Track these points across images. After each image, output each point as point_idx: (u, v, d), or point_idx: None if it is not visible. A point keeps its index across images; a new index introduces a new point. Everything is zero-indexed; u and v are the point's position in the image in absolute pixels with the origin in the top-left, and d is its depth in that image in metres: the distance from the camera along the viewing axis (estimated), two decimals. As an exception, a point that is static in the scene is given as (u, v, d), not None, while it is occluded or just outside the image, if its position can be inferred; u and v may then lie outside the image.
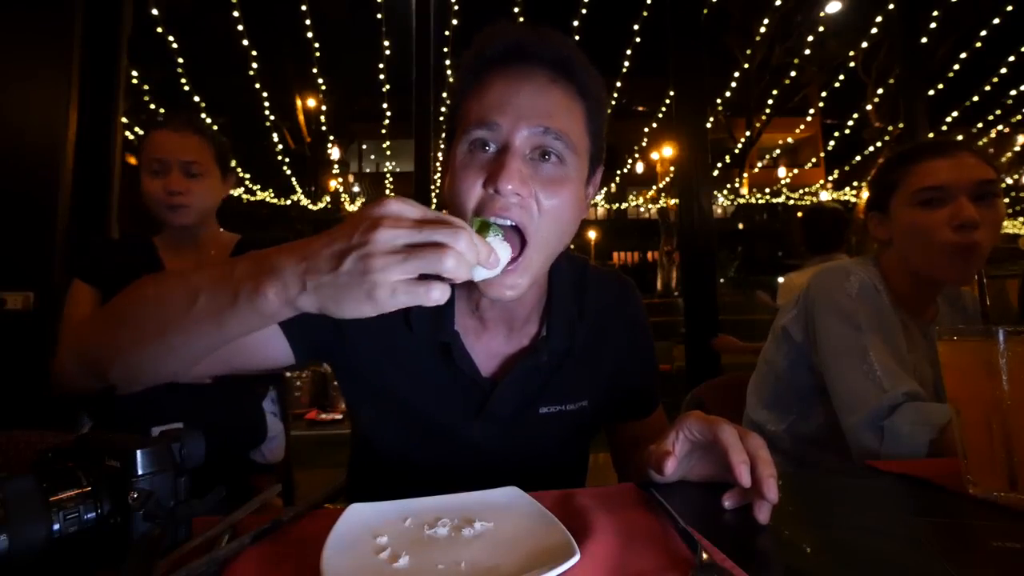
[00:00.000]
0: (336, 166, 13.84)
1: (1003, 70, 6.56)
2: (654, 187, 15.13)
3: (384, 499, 0.49)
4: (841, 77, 8.56)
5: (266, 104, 7.89)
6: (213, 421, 1.12)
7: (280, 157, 10.38)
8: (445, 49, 4.99)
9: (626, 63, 6.26)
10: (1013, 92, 7.35)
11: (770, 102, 10.40)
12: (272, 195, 12.44)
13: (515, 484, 0.51)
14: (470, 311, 0.68)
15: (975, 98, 7.28)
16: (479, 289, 0.58)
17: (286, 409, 1.37)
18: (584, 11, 5.22)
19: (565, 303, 0.71)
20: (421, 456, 0.69)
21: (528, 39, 0.60)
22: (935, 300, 1.00)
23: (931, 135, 3.50)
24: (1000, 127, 8.51)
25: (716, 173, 13.02)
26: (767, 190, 15.39)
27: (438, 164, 4.51)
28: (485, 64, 0.61)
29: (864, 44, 6.91)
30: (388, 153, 12.06)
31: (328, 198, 14.07)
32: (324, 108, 9.95)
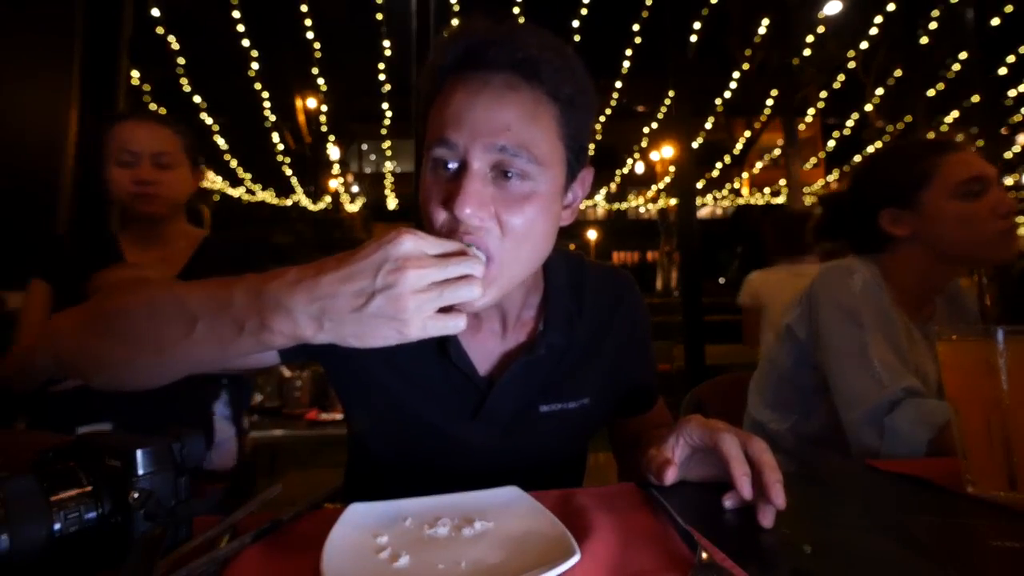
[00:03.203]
0: (336, 166, 13.83)
1: (1003, 70, 6.55)
2: (654, 187, 15.12)
3: (382, 498, 0.49)
4: (841, 77, 8.56)
5: (266, 104, 7.89)
6: (149, 422, 1.08)
7: (280, 157, 10.38)
8: (445, 49, 4.97)
9: (626, 63, 6.26)
10: (1013, 92, 7.34)
11: (770, 102, 10.40)
12: (272, 195, 12.44)
13: (514, 483, 0.51)
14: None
15: (975, 98, 7.26)
16: None
17: (240, 412, 1.30)
18: (584, 11, 5.22)
19: (563, 299, 0.69)
20: (417, 458, 0.68)
21: (483, 42, 0.55)
22: (934, 299, 1.00)
23: (931, 135, 3.50)
24: (1000, 127, 8.50)
25: (716, 173, 13.00)
26: (767, 190, 15.38)
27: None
28: (442, 72, 0.57)
29: (864, 44, 6.90)
30: (388, 153, 12.06)
31: (328, 198, 14.07)
32: (324, 108, 9.96)
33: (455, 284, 0.43)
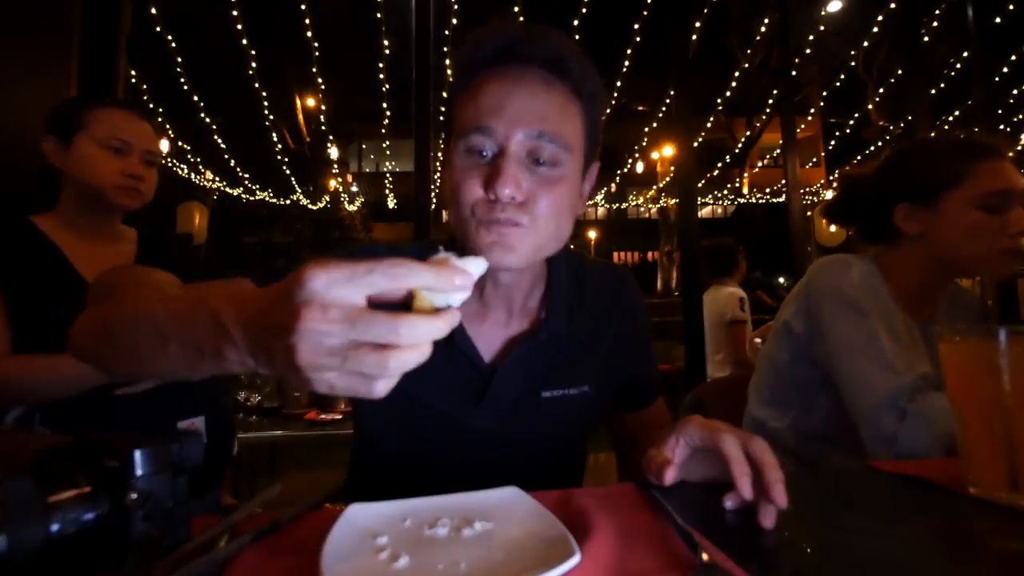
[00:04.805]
0: (336, 166, 13.82)
1: (1004, 69, 6.54)
2: (654, 187, 15.12)
3: (386, 492, 0.50)
4: (842, 77, 8.56)
5: (266, 104, 7.88)
6: (211, 414, 1.14)
7: (280, 157, 10.37)
8: (445, 49, 4.99)
9: (626, 63, 6.26)
10: (1014, 92, 7.33)
11: (770, 102, 10.40)
12: (272, 195, 12.43)
13: (516, 473, 0.52)
14: (474, 295, 0.68)
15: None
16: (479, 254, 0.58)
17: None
18: (584, 11, 5.22)
19: (564, 290, 0.72)
20: (422, 444, 0.69)
21: (520, 39, 0.60)
22: (934, 299, 1.00)
23: (932, 135, 3.51)
24: (1000, 127, 8.49)
25: (716, 173, 13.01)
26: (767, 190, 15.38)
27: (438, 164, 4.51)
28: (478, 65, 0.61)
29: (865, 44, 6.90)
30: (388, 153, 12.06)
31: (328, 198, 14.07)
32: (324, 108, 9.95)
33: (362, 354, 0.33)
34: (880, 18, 5.44)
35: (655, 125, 9.79)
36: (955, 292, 1.04)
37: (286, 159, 10.79)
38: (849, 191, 1.07)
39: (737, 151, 13.22)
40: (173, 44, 5.49)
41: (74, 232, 1.12)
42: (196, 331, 0.40)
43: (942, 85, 6.16)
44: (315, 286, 0.33)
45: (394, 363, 0.33)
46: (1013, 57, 6.18)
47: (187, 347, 0.41)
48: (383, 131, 9.14)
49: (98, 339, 0.51)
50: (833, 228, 6.13)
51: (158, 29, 5.00)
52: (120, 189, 1.10)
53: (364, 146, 18.30)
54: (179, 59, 5.84)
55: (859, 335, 0.86)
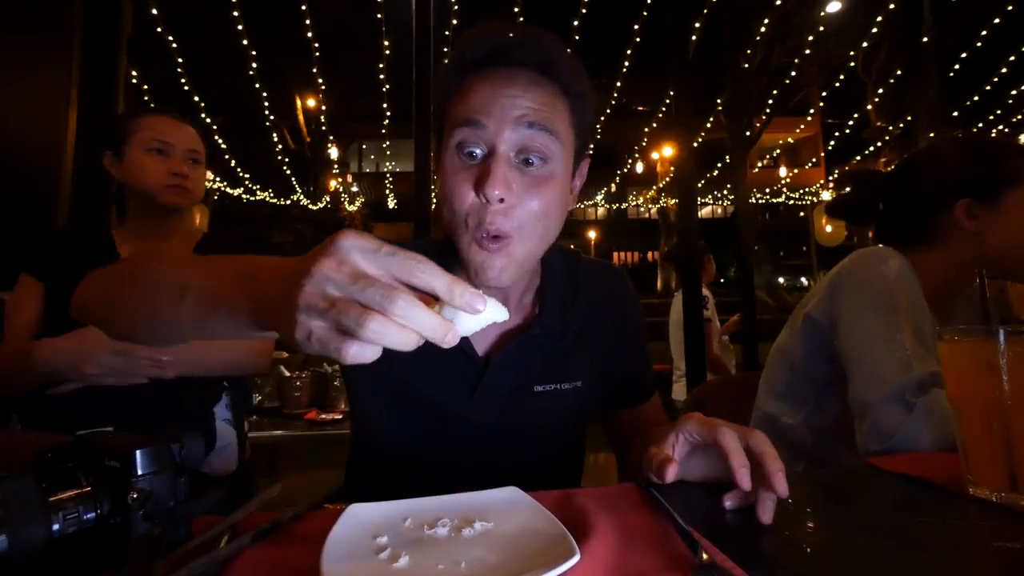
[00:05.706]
0: (336, 166, 13.82)
1: (1003, 70, 6.56)
2: (654, 187, 15.12)
3: (384, 487, 0.50)
4: (841, 77, 8.56)
5: (266, 104, 7.89)
6: (151, 426, 1.08)
7: (280, 157, 10.38)
8: (445, 49, 4.99)
9: (626, 63, 6.27)
10: (1013, 92, 7.34)
11: (770, 102, 10.39)
12: (272, 195, 12.44)
13: (513, 467, 0.52)
14: None
15: (975, 98, 7.27)
16: (473, 277, 0.61)
17: (241, 415, 1.29)
18: (584, 10, 5.22)
19: (558, 287, 0.74)
20: (420, 438, 0.70)
21: (510, 42, 0.61)
22: (955, 300, 0.99)
23: (931, 135, 3.51)
24: (1000, 127, 8.50)
25: (716, 173, 13.01)
26: (767, 190, 15.37)
27: (438, 164, 4.49)
28: (468, 66, 0.62)
29: (864, 44, 6.91)
30: (388, 153, 12.06)
31: (328, 198, 14.08)
32: (324, 108, 9.95)
33: (346, 307, 0.33)
34: (879, 19, 5.45)
35: (655, 125, 9.80)
36: (972, 295, 1.02)
37: (286, 159, 10.80)
38: (862, 189, 1.05)
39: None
40: (174, 44, 5.49)
41: (138, 237, 1.20)
42: (223, 281, 0.42)
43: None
44: (343, 244, 0.35)
45: (374, 325, 0.33)
46: (1012, 57, 6.18)
47: (204, 299, 0.43)
48: (383, 131, 9.14)
49: (105, 295, 0.52)
50: (829, 228, 6.12)
51: (159, 29, 5.00)
52: (166, 188, 1.17)
53: (364, 146, 18.29)
54: (180, 59, 5.84)
55: (880, 329, 0.84)
